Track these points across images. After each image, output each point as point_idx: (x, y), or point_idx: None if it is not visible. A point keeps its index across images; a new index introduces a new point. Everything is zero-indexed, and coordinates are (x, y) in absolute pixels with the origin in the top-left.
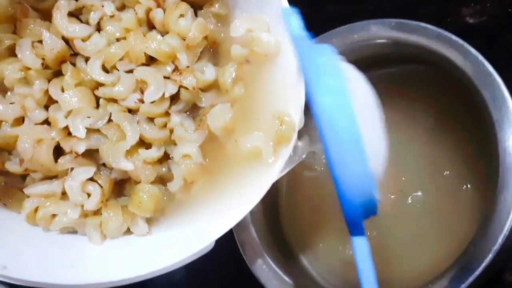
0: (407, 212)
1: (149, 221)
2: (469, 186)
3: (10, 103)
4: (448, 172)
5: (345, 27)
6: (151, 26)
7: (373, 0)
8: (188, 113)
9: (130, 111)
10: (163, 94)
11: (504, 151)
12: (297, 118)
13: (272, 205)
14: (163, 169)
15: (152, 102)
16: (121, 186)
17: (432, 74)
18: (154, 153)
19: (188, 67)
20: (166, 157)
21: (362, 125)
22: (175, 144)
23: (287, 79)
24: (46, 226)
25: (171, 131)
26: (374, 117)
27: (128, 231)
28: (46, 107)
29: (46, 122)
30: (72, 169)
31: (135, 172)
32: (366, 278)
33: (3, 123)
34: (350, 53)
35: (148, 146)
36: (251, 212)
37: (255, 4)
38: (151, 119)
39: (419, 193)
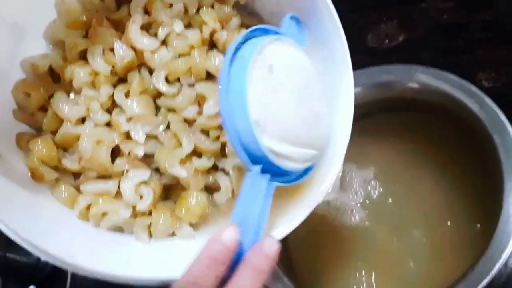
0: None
1: (193, 226)
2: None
3: (74, 104)
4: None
5: (373, 68)
6: (211, 46)
7: (398, 57)
8: None
9: (186, 122)
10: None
11: (509, 189)
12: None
13: None
14: (211, 178)
15: (209, 117)
16: (167, 192)
17: (446, 122)
18: (206, 162)
19: None
20: (213, 169)
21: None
22: (223, 156)
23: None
24: (96, 223)
25: (222, 144)
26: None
27: (172, 234)
28: (107, 111)
29: (106, 125)
30: (127, 171)
31: (186, 179)
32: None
33: (66, 122)
34: (374, 93)
35: (198, 156)
36: None
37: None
38: (205, 132)
39: (416, 231)
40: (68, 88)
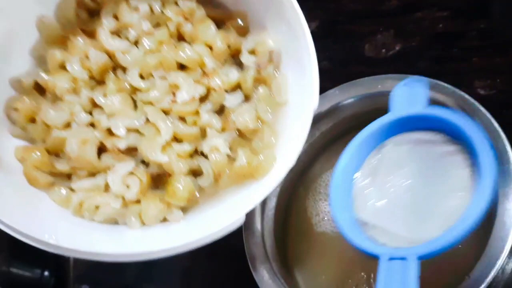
0: None
1: (182, 210)
2: None
3: (59, 111)
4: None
5: (370, 77)
6: (180, 39)
7: (395, 66)
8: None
9: (164, 112)
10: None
11: (503, 195)
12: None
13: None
14: (195, 162)
15: (184, 103)
16: (157, 182)
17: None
18: (186, 147)
19: (214, 69)
20: (196, 154)
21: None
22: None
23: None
24: (91, 217)
25: (201, 129)
26: None
27: (164, 219)
28: (90, 113)
29: (90, 126)
30: (113, 165)
31: (169, 164)
32: None
33: (54, 128)
34: (372, 103)
35: (179, 142)
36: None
37: (269, 18)
38: (183, 119)
39: None
40: (53, 98)
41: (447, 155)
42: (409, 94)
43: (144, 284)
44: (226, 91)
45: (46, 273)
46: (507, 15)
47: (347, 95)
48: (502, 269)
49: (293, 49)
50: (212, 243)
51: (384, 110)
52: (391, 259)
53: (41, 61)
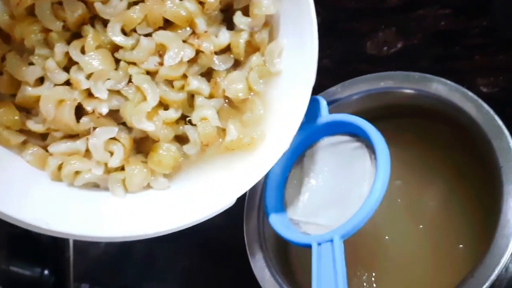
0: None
1: (167, 176)
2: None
3: (29, 63)
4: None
5: (372, 75)
6: None
7: (397, 64)
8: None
9: (148, 73)
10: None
11: (508, 193)
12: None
13: None
14: (180, 128)
15: (171, 66)
16: (139, 146)
17: (443, 127)
18: (173, 114)
19: (206, 32)
20: (182, 119)
21: None
22: (190, 107)
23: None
24: (70, 182)
25: (188, 93)
26: None
27: (148, 186)
28: (65, 69)
29: (66, 83)
30: (94, 128)
31: (155, 132)
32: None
33: (24, 84)
34: (373, 100)
35: (165, 108)
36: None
37: None
38: (169, 83)
39: (413, 236)
40: (21, 47)
41: (352, 151)
42: (313, 109)
43: (144, 283)
44: (216, 53)
45: (46, 271)
46: (509, 13)
47: (349, 92)
48: (506, 267)
49: (292, 15)
50: (211, 241)
51: (386, 108)
52: (320, 244)
53: (4, 3)
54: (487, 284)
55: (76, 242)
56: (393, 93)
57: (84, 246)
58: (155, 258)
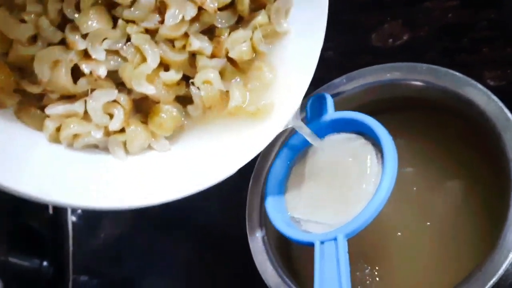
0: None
1: (169, 138)
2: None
3: (21, 20)
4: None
5: (378, 66)
6: None
7: (403, 56)
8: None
9: (147, 32)
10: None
11: None
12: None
13: None
14: (182, 89)
15: (172, 25)
16: (139, 105)
17: (451, 120)
18: (174, 75)
19: None
20: (183, 79)
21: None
22: (192, 67)
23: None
24: (69, 144)
25: (190, 53)
26: None
27: (149, 147)
28: (59, 26)
29: (61, 42)
30: (92, 90)
31: (155, 94)
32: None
33: (16, 43)
34: (380, 92)
35: (165, 69)
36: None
37: None
38: (169, 42)
39: (420, 231)
40: (11, 2)
41: (357, 149)
42: (318, 106)
43: (144, 274)
44: (218, 9)
45: (45, 263)
46: None
47: (354, 84)
48: None
49: None
50: (212, 234)
51: (392, 100)
52: (323, 242)
53: None
54: (494, 278)
55: (75, 234)
56: (400, 85)
57: (84, 238)
58: (155, 250)
